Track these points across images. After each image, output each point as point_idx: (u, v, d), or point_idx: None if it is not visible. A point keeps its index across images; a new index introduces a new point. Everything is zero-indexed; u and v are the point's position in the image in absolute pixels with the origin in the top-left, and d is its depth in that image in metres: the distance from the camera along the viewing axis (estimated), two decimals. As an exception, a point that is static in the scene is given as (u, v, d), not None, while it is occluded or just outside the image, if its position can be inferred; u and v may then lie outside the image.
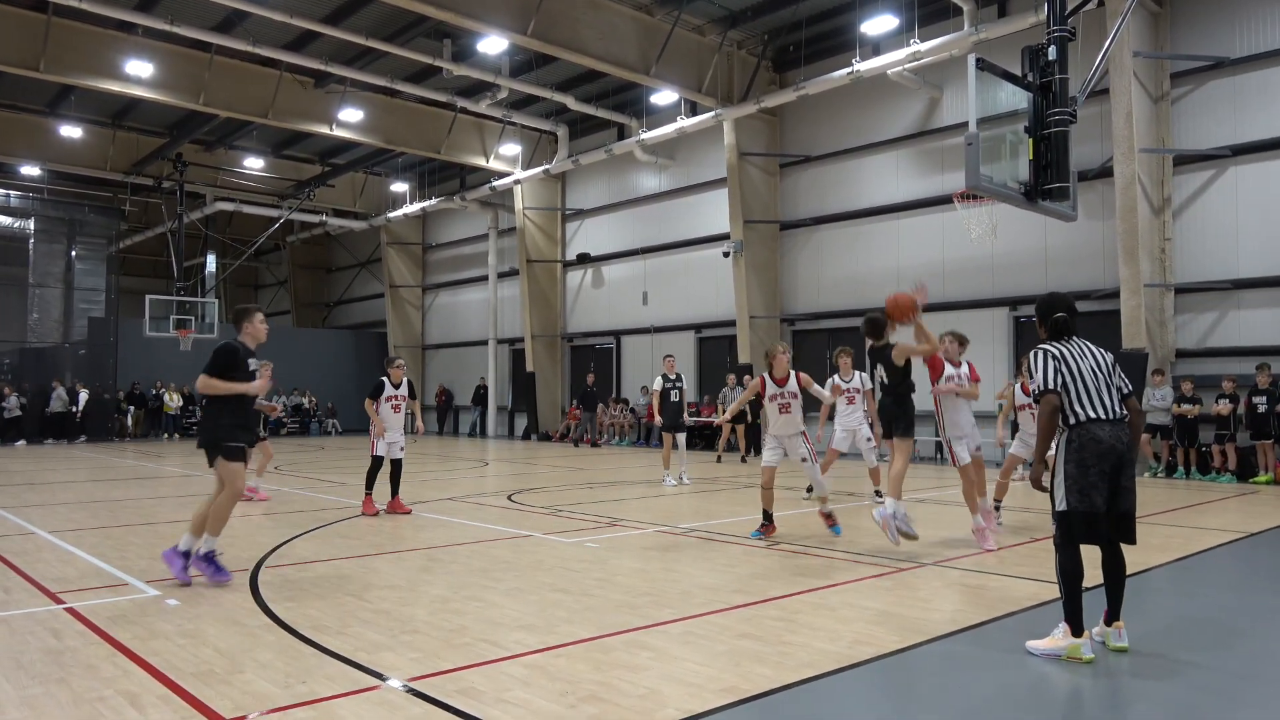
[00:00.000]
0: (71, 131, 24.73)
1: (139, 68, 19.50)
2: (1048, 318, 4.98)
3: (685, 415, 13.65)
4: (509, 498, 11.67)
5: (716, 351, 22.12)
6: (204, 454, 6.43)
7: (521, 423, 27.94)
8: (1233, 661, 4.60)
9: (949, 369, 8.07)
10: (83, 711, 3.81)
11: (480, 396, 28.85)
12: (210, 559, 6.35)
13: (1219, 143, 14.80)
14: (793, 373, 8.25)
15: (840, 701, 4.05)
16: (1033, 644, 4.67)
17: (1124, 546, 4.70)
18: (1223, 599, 6.13)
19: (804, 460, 8.22)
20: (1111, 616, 4.73)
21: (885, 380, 7.63)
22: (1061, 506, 4.60)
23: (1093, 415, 4.61)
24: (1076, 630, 4.53)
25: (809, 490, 11.27)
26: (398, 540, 8.35)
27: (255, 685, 4.13)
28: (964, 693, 4.15)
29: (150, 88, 20.09)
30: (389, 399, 10.10)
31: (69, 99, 23.02)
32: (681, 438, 13.15)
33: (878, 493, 10.46)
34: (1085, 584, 4.58)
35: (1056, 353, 4.77)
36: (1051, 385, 4.70)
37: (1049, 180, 8.47)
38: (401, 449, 10.21)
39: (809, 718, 3.86)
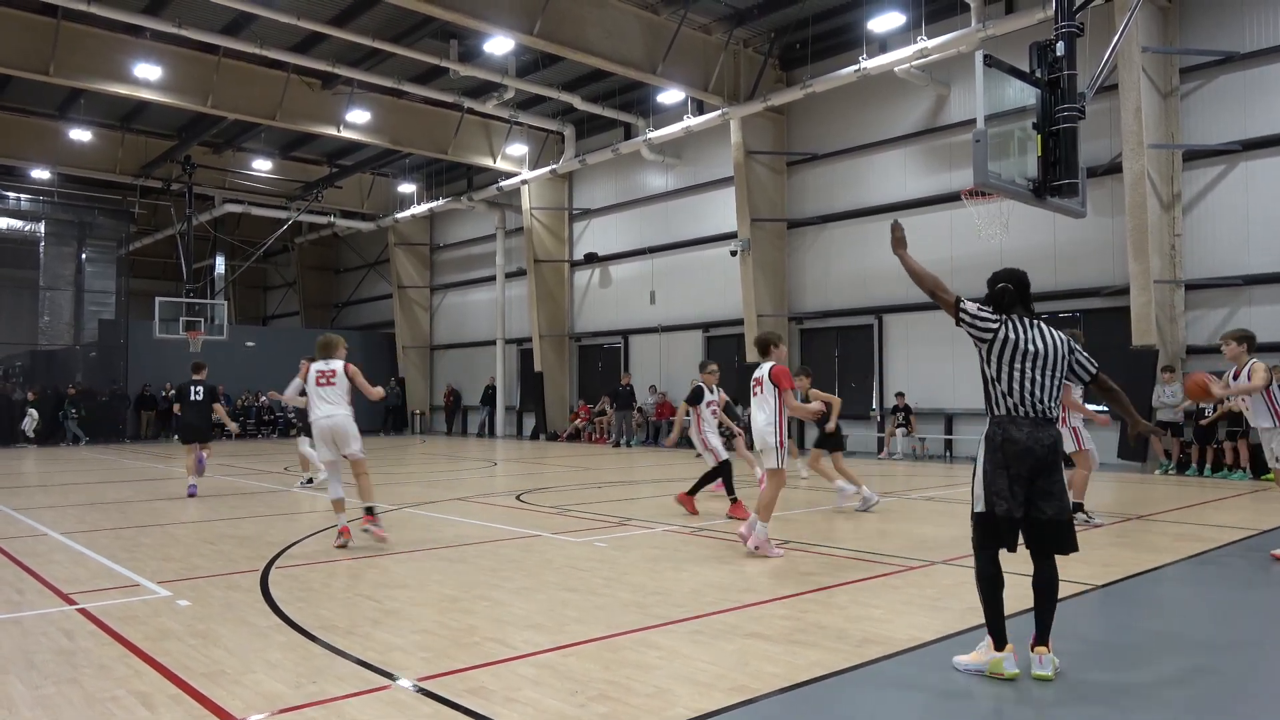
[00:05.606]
0: (81, 135, 24.83)
1: (147, 71, 19.61)
2: (990, 288, 4.43)
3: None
4: (518, 497, 11.69)
5: (725, 350, 22.09)
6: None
7: (530, 422, 27.96)
8: (1239, 661, 4.57)
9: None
10: (95, 711, 3.83)
11: (488, 396, 28.88)
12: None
13: (1229, 138, 14.72)
14: None
15: (849, 701, 4.04)
16: (959, 659, 4.30)
17: (1070, 559, 4.21)
18: (1235, 596, 6.10)
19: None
20: (1037, 640, 4.18)
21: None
22: (977, 508, 4.26)
23: (1013, 413, 4.20)
24: (999, 643, 4.17)
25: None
26: (407, 540, 8.37)
27: (266, 685, 4.14)
28: (970, 690, 4.13)
29: (159, 90, 20.18)
30: None
31: (78, 102, 23.12)
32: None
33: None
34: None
35: (1003, 325, 4.24)
36: (959, 303, 4.30)
37: (1058, 177, 8.43)
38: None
39: (818, 717, 3.85)
